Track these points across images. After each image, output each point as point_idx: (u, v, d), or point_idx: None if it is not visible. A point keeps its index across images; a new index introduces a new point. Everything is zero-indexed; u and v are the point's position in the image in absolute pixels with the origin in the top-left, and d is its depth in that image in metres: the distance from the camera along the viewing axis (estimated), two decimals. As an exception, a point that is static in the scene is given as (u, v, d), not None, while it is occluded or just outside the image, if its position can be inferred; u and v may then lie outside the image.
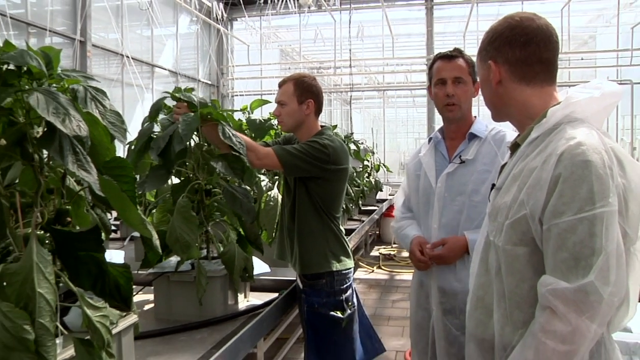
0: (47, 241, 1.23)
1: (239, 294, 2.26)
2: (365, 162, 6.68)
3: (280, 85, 2.29)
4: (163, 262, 2.13)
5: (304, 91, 2.23)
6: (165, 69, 8.42)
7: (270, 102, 2.64)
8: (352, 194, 5.22)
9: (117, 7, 7.10)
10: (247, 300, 2.35)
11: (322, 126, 2.33)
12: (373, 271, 6.62)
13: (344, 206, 2.88)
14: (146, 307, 2.27)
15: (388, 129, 12.73)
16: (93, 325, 1.14)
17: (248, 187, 2.24)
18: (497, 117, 1.37)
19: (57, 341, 1.12)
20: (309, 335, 2.23)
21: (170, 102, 2.17)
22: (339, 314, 2.19)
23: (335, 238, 2.25)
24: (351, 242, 4.02)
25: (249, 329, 1.91)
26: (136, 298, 2.13)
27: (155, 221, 2.21)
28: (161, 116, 2.19)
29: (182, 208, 1.97)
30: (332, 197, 2.25)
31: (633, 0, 9.55)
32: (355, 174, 5.69)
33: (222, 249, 2.14)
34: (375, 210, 6.24)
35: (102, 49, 6.72)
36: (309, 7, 8.91)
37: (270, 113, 2.63)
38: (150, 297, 2.28)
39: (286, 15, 10.13)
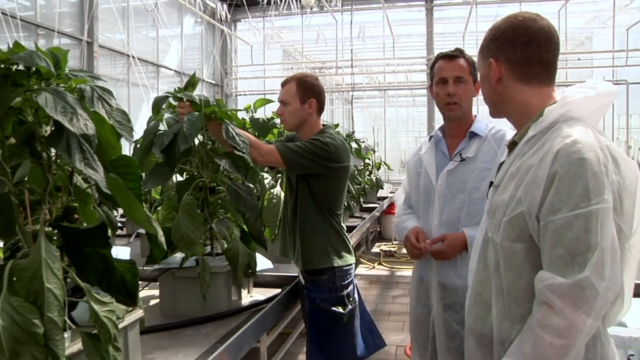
0: (55, 238, 1.25)
1: (242, 290, 2.29)
2: (367, 160, 6.70)
3: (283, 84, 2.30)
4: (168, 258, 2.15)
5: (306, 90, 2.24)
6: (171, 69, 8.46)
7: (273, 101, 2.65)
8: (354, 192, 5.23)
9: (123, 8, 7.14)
10: (251, 295, 2.38)
11: (324, 125, 2.34)
12: (374, 267, 6.63)
13: (345, 203, 2.89)
14: (152, 303, 2.30)
15: (389, 127, 12.73)
16: (100, 319, 1.16)
17: (251, 185, 2.26)
18: (495, 113, 1.38)
19: (65, 335, 1.14)
20: (311, 330, 2.24)
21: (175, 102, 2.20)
22: (340, 309, 2.20)
23: (337, 234, 2.27)
24: (352, 239, 4.04)
25: (252, 324, 1.93)
26: (142, 293, 2.17)
27: (160, 218, 2.23)
28: (166, 115, 2.21)
29: (187, 205, 1.99)
30: (334, 194, 2.26)
31: (628, 3, 9.55)
32: (356, 171, 5.70)
33: (226, 245, 2.16)
34: (376, 207, 6.24)
35: (108, 49, 6.77)
36: (311, 8, 8.92)
37: (273, 112, 2.65)
38: (156, 292, 2.31)
39: (289, 16, 10.15)
